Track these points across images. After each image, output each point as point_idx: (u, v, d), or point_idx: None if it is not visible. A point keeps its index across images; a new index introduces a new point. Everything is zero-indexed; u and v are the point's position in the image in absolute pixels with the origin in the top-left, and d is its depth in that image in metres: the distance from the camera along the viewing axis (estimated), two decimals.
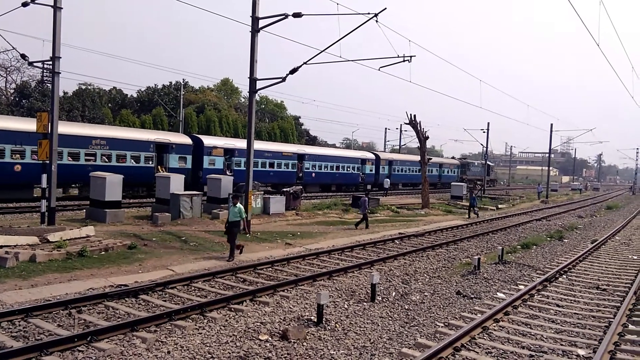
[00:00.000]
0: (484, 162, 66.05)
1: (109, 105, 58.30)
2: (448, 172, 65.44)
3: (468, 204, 29.95)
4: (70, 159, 25.37)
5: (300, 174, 40.34)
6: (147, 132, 33.82)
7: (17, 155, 23.18)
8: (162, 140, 30.61)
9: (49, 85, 37.25)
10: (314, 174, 41.61)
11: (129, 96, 63.12)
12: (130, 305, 9.39)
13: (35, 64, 20.00)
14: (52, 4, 16.62)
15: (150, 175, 28.47)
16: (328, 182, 43.86)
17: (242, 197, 18.74)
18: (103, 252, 13.74)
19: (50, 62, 17.25)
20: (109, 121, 49.24)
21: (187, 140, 32.39)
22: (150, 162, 29.52)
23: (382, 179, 48.45)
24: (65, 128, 24.79)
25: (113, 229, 17.85)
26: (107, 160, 27.12)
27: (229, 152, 34.34)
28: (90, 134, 26.97)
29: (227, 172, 32.77)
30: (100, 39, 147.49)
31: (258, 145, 35.80)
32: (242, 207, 14.47)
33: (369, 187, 44.20)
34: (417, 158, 64.64)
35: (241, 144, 34.12)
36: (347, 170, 45.43)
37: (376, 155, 52.10)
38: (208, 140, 33.89)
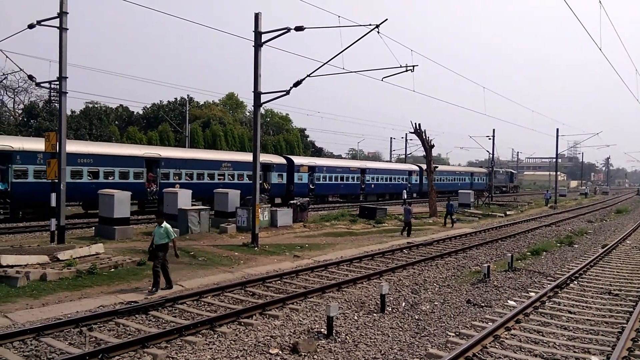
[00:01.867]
0: (508, 170, 77.35)
1: (116, 122, 58.84)
2: (478, 180, 71.15)
3: (449, 212, 28.74)
4: (209, 179, 32.16)
5: (363, 186, 46.93)
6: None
7: (177, 177, 30.19)
8: (267, 161, 36.74)
9: (56, 105, 37.65)
10: (373, 185, 48.31)
11: (135, 113, 63.71)
12: (141, 321, 9.42)
13: (42, 85, 20.26)
14: (58, 25, 16.90)
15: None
16: (384, 192, 50.06)
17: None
18: (113, 269, 13.81)
19: (57, 82, 17.51)
20: (116, 139, 49.65)
21: (283, 160, 39.29)
22: (259, 179, 33.10)
23: (425, 189, 53.14)
24: (205, 154, 34.55)
25: (122, 245, 17.94)
26: (231, 178, 33.69)
27: (311, 169, 41.09)
28: (220, 158, 34.07)
29: (310, 186, 40.74)
30: (105, 57, 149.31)
31: (331, 162, 48.18)
32: (169, 227, 12.13)
33: (405, 195, 47.26)
34: (456, 169, 73.56)
35: (320, 162, 44.65)
36: (397, 181, 51.91)
37: (419, 167, 56.75)
38: (297, 160, 40.75)
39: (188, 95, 61.14)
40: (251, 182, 32.87)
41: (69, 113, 52.02)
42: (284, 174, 38.48)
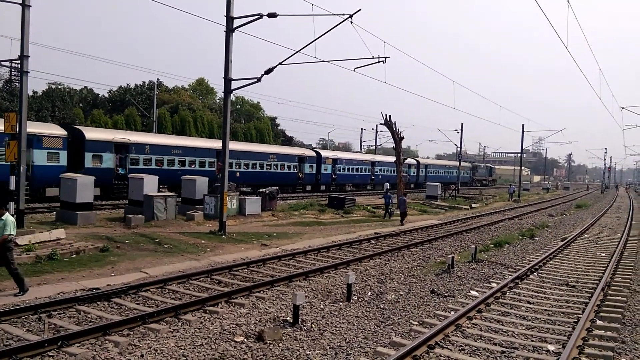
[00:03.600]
0: (488, 165, 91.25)
1: (80, 105, 57.11)
2: (464, 173, 77.95)
3: (386, 204, 28.37)
4: (259, 168, 38.70)
5: (372, 176, 54.25)
6: (293, 149, 49.58)
7: (237, 166, 36.12)
8: (302, 154, 44.82)
9: (17, 84, 36.33)
10: (380, 176, 55.18)
11: (100, 96, 62.00)
12: (103, 309, 9.23)
13: (3, 63, 19.49)
14: (21, 2, 16.21)
15: (294, 178, 42.64)
16: (388, 181, 54.09)
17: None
18: (74, 255, 13.47)
19: (19, 61, 16.82)
20: (80, 121, 48.19)
21: (313, 153, 46.85)
22: (295, 169, 42.82)
23: (421, 180, 62.24)
24: (257, 147, 41.78)
25: (85, 231, 17.50)
26: (276, 168, 40.46)
27: (334, 161, 47.92)
28: (268, 151, 40.99)
29: (333, 175, 47.57)
30: (70, 37, 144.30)
31: (349, 155, 55.97)
32: (10, 219, 9.67)
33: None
34: (446, 162, 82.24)
35: (341, 155, 52.12)
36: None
37: (417, 161, 66.21)
38: (324, 154, 48.06)
39: (157, 79, 59.88)
40: (290, 171, 41.84)
41: (30, 93, 50.29)
42: (314, 165, 45.28)
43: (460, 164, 63.35)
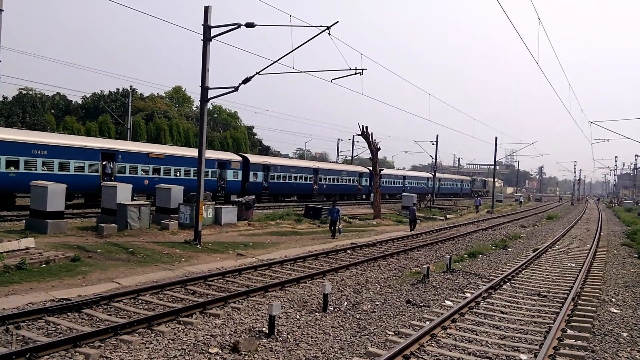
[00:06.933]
0: (482, 178, 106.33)
1: (52, 111, 55.97)
2: (465, 185, 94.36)
3: (333, 219, 23.23)
4: (336, 181, 52.01)
5: (404, 188, 66.46)
6: (355, 167, 62.21)
7: (324, 180, 50.23)
8: (362, 170, 58.09)
9: None
10: (409, 187, 68.08)
11: (73, 102, 60.89)
12: (73, 320, 9.01)
13: None
14: None
15: (355, 189, 55.96)
16: (415, 192, 63.37)
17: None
18: (44, 265, 13.12)
19: None
20: (51, 128, 47.20)
21: (367, 170, 56.80)
22: (356, 182, 55.92)
23: (435, 191, 70.23)
24: (335, 166, 57.70)
25: (55, 240, 17.07)
26: (345, 182, 53.83)
27: (384, 176, 58.49)
28: (340, 169, 55.19)
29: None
30: (42, 42, 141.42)
31: (389, 171, 69.87)
32: None
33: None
34: (458, 177, 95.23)
35: (385, 171, 63.21)
36: (421, 184, 74.55)
37: (434, 175, 76.04)
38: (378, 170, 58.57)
39: (130, 86, 59.15)
40: (353, 183, 55.46)
41: (0, 99, 49.17)
42: (368, 179, 56.43)
43: (435, 175, 64.29)
